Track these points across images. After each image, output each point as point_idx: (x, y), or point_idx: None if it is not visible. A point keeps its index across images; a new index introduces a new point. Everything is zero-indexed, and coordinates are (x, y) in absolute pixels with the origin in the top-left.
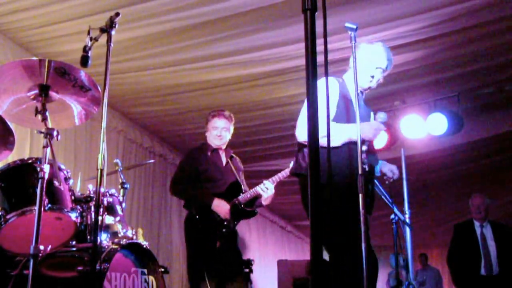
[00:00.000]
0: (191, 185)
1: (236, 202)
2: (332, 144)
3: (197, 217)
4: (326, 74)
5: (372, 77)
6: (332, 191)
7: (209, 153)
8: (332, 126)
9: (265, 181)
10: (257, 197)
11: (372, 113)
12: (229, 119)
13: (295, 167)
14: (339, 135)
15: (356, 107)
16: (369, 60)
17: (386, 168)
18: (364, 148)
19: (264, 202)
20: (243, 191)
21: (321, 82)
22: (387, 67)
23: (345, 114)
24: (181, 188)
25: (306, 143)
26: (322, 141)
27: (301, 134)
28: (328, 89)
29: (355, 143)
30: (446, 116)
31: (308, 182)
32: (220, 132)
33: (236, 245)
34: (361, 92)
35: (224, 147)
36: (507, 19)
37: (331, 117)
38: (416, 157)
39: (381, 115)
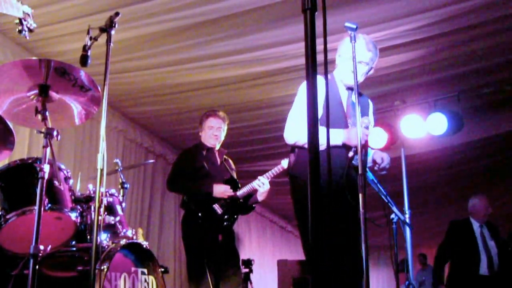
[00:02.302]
0: (189, 180)
1: (235, 196)
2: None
3: (200, 214)
4: (326, 73)
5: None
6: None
7: (204, 152)
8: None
9: (259, 177)
10: (252, 194)
11: (370, 102)
12: (223, 119)
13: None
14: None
15: (357, 109)
16: (349, 55)
17: (377, 155)
18: (351, 154)
19: (259, 198)
20: (239, 187)
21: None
22: (371, 60)
23: (331, 113)
24: (179, 183)
25: (296, 145)
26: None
27: (291, 136)
28: (327, 85)
29: (338, 147)
30: (446, 116)
31: (308, 183)
32: (216, 132)
33: (234, 243)
34: (351, 89)
35: (217, 147)
36: (507, 19)
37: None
38: (416, 157)
39: (365, 120)
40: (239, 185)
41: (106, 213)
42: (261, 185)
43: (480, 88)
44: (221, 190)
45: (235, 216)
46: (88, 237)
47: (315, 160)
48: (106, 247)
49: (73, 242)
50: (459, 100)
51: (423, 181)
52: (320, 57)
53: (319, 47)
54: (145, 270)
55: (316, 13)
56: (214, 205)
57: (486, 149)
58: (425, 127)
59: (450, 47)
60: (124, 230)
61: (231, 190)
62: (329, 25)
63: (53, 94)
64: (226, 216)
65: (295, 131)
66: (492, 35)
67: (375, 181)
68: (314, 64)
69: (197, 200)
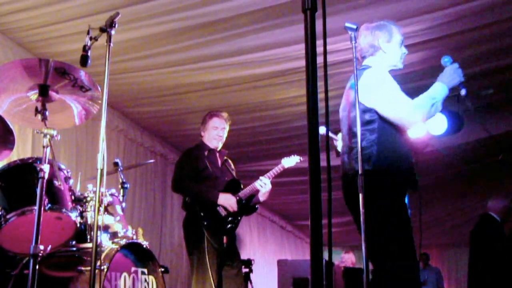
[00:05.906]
0: (194, 182)
1: (238, 198)
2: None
3: (203, 216)
4: (326, 74)
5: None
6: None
7: (206, 153)
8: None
9: (261, 177)
10: (254, 194)
11: None
12: (226, 120)
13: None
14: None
15: (357, 105)
16: (399, 39)
17: None
18: (463, 92)
19: (261, 198)
20: (242, 188)
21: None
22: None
23: None
24: (185, 185)
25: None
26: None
27: (416, 114)
28: (328, 87)
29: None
30: (446, 116)
31: (309, 182)
32: (220, 132)
33: (236, 243)
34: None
35: (219, 148)
36: (508, 21)
37: None
38: (415, 157)
39: (446, 58)
40: (242, 186)
41: (106, 213)
42: (263, 185)
43: (481, 89)
44: (226, 197)
45: (239, 218)
46: (88, 237)
47: (315, 161)
48: (106, 247)
49: (73, 242)
50: (459, 100)
51: (423, 181)
52: (320, 59)
53: (320, 48)
54: (145, 270)
55: (317, 13)
56: (218, 207)
57: (486, 149)
58: (425, 127)
59: (451, 49)
60: (124, 230)
61: (236, 205)
62: (330, 26)
63: (53, 94)
64: (230, 218)
65: (413, 108)
66: (493, 37)
67: None
68: (314, 65)
69: (201, 202)
